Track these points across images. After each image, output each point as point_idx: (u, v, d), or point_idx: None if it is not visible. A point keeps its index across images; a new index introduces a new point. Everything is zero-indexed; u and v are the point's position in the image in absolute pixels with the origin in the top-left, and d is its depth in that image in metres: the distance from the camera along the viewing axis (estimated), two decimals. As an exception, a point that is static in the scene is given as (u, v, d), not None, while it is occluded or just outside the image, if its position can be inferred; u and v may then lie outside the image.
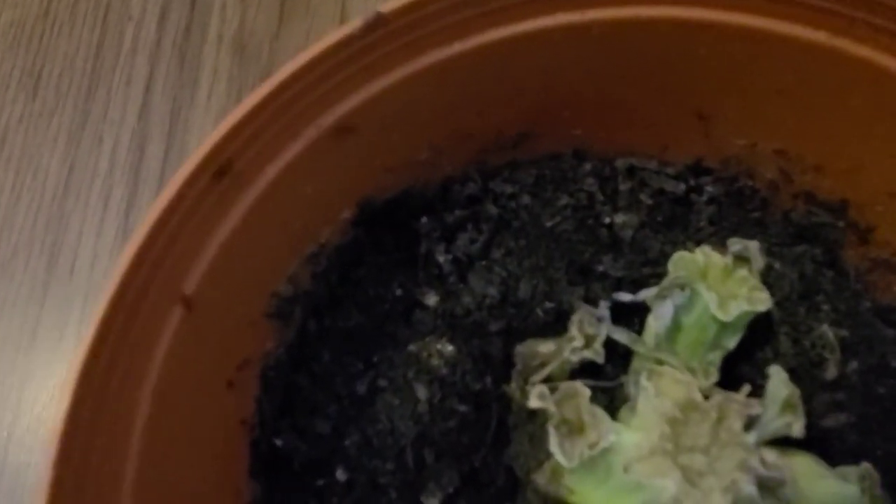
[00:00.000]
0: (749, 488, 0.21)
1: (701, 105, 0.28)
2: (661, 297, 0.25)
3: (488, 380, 0.30)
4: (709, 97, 0.28)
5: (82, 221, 0.46)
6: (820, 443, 0.28)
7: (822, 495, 0.24)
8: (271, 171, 0.22)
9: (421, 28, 0.23)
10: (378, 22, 0.21)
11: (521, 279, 0.31)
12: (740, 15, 0.25)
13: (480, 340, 0.30)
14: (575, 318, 0.25)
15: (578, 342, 0.24)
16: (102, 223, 0.46)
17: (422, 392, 0.29)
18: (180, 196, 0.20)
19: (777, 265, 0.30)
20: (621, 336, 0.25)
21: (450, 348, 0.30)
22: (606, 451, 0.22)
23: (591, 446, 0.22)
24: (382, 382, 0.29)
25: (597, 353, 0.24)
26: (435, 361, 0.30)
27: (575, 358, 0.24)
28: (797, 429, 0.22)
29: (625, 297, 0.27)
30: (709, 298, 0.25)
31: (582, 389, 0.23)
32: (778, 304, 0.30)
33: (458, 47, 0.24)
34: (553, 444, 0.22)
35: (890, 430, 0.29)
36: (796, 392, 0.23)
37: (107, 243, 0.46)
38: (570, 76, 0.27)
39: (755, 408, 0.22)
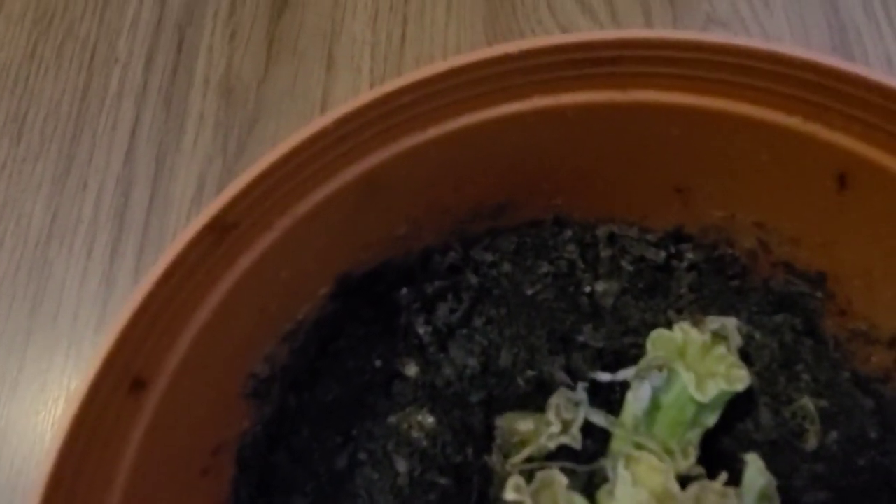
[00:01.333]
0: (724, 586, 0.21)
1: (678, 180, 0.28)
2: (640, 377, 0.25)
3: (469, 451, 0.30)
4: (685, 173, 0.28)
5: (66, 268, 0.46)
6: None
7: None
8: (245, 261, 0.22)
9: (395, 117, 0.23)
10: (348, 118, 0.21)
11: (501, 348, 0.31)
12: (714, 100, 0.25)
13: (461, 411, 0.30)
14: (552, 401, 0.25)
15: (555, 428, 0.24)
16: (86, 270, 0.46)
17: (402, 465, 0.29)
18: (153, 293, 0.20)
19: (757, 334, 0.30)
20: (599, 419, 0.25)
21: (430, 419, 0.30)
22: (582, 543, 0.22)
23: (567, 538, 0.22)
24: (362, 456, 0.29)
25: (574, 439, 0.24)
26: (415, 433, 0.30)
27: (552, 444, 0.24)
28: (774, 520, 0.22)
29: (604, 377, 0.27)
30: (687, 379, 0.25)
31: (558, 478, 0.23)
32: (758, 373, 0.30)
33: (432, 132, 0.24)
34: (527, 536, 0.22)
35: (859, 486, 0.29)
36: (772, 482, 0.23)
37: (90, 290, 0.45)
38: (545, 153, 0.27)
39: (731, 499, 0.22)
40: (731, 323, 0.26)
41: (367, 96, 0.21)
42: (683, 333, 0.26)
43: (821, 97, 0.23)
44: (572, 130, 0.25)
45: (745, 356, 0.30)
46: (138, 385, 0.20)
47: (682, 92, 0.25)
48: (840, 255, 0.28)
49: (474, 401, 0.29)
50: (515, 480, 0.22)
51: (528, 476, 0.25)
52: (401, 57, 0.52)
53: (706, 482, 0.23)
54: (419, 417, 0.29)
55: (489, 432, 0.29)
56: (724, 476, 0.23)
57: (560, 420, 0.24)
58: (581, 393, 0.26)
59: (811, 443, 0.29)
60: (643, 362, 0.25)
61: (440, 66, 0.22)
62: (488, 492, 0.29)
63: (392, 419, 0.29)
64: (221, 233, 0.21)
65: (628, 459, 0.23)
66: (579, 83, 0.24)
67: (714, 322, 0.26)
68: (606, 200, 0.31)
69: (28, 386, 0.43)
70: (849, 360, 0.30)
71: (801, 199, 0.27)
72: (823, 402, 0.29)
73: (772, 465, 0.29)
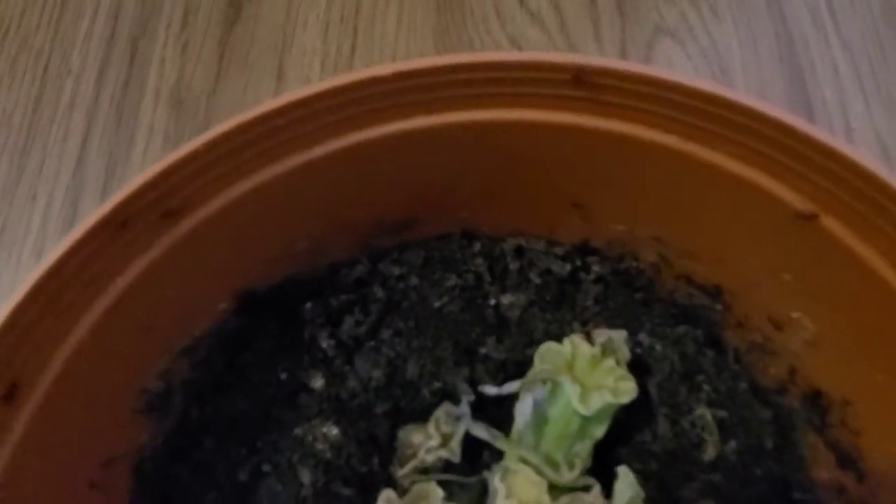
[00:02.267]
0: None
1: (574, 196, 0.29)
2: (526, 390, 0.26)
3: (375, 462, 0.30)
4: (579, 190, 0.28)
5: (14, 279, 0.46)
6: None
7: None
8: (122, 281, 0.22)
9: (277, 136, 0.23)
10: (227, 136, 0.22)
11: (408, 360, 0.31)
12: (600, 120, 0.25)
13: (367, 423, 0.30)
14: (433, 416, 0.26)
15: (434, 441, 0.25)
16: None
17: (306, 476, 0.29)
18: (30, 299, 0.21)
19: (658, 346, 0.31)
20: (481, 433, 0.25)
21: (335, 431, 0.30)
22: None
23: (437, 550, 0.22)
24: (266, 468, 0.29)
25: (452, 453, 0.25)
26: (320, 445, 0.30)
27: (430, 458, 0.25)
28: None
29: (490, 390, 0.27)
30: (571, 392, 0.26)
31: (434, 491, 0.23)
32: (658, 385, 0.30)
33: (318, 151, 0.24)
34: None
35: (756, 496, 0.29)
36: (640, 494, 0.23)
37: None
38: (440, 171, 0.27)
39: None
40: (618, 336, 0.27)
41: (244, 116, 0.22)
42: (573, 346, 0.27)
43: (689, 117, 0.24)
44: (461, 149, 0.26)
45: (646, 368, 0.31)
46: (11, 393, 0.21)
47: (567, 112, 0.25)
48: (730, 270, 0.28)
49: (380, 412, 0.30)
50: (386, 494, 0.23)
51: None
52: (350, 68, 0.53)
53: (579, 494, 0.23)
54: (324, 429, 0.30)
55: (394, 443, 0.30)
56: (597, 488, 0.24)
57: (440, 433, 0.25)
58: (464, 407, 0.26)
59: (709, 453, 0.30)
60: (529, 375, 0.26)
61: (313, 88, 0.22)
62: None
63: (298, 431, 0.30)
64: (106, 241, 0.22)
65: (505, 472, 0.24)
66: (464, 103, 0.25)
67: (601, 335, 0.27)
68: (513, 215, 0.31)
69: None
70: (748, 371, 0.30)
71: (690, 215, 0.27)
72: (723, 413, 0.30)
73: (669, 475, 0.29)
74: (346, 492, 0.29)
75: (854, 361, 0.25)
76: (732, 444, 0.30)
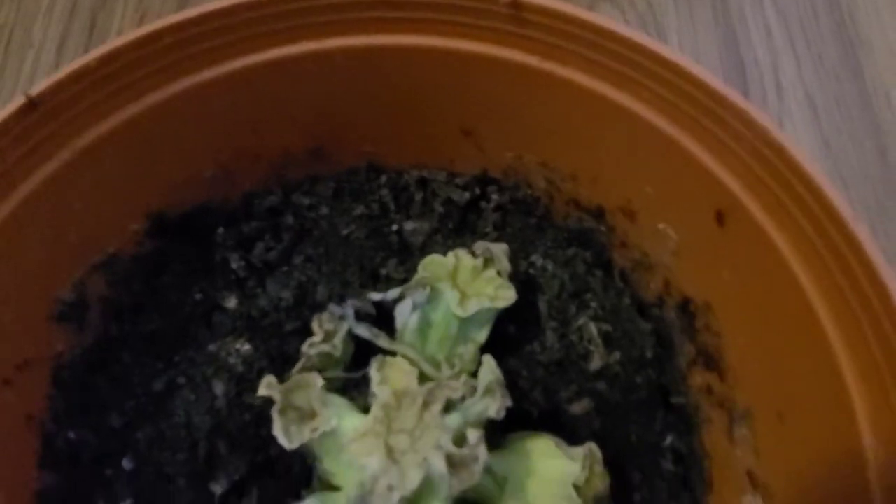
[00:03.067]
0: (439, 464, 0.23)
1: (462, 123, 0.31)
2: (408, 295, 0.28)
3: (285, 376, 0.32)
4: (467, 116, 0.30)
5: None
6: (569, 427, 0.30)
7: (548, 470, 0.27)
8: (25, 187, 0.24)
9: (163, 58, 0.25)
10: (113, 55, 0.24)
11: (319, 283, 0.33)
12: (479, 44, 0.28)
13: (278, 340, 0.33)
14: (317, 316, 0.28)
15: (318, 337, 0.27)
16: None
17: (219, 388, 0.32)
18: None
19: (550, 266, 0.33)
20: (363, 331, 0.28)
21: (247, 347, 0.32)
22: (332, 434, 0.25)
23: (313, 430, 0.24)
24: (181, 380, 0.32)
25: (334, 348, 0.27)
26: (233, 360, 0.32)
27: (313, 352, 0.27)
28: (494, 410, 0.25)
29: (376, 296, 0.29)
30: (450, 297, 0.28)
31: (314, 380, 0.25)
32: (548, 302, 0.33)
33: (207, 74, 0.26)
34: (276, 429, 0.24)
35: (636, 400, 0.31)
36: (500, 378, 0.25)
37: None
38: (335, 100, 0.29)
39: (455, 392, 0.24)
40: (497, 248, 0.29)
41: (130, 35, 0.24)
42: (456, 259, 0.29)
43: (548, 36, 0.26)
44: (347, 76, 0.28)
45: (538, 286, 0.33)
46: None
47: (438, 36, 0.27)
48: (606, 190, 0.30)
49: (289, 329, 0.32)
50: (268, 379, 0.25)
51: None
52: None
53: (444, 381, 0.25)
54: (237, 345, 0.32)
55: (303, 359, 0.32)
56: (464, 377, 0.26)
57: (323, 330, 0.27)
58: (347, 309, 0.28)
59: (595, 363, 0.32)
60: (412, 282, 0.28)
61: (194, 11, 0.24)
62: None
63: (212, 347, 0.32)
64: (5, 146, 0.24)
65: (381, 364, 0.26)
66: (344, 27, 0.27)
67: (480, 247, 0.29)
68: (414, 148, 0.33)
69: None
70: (631, 288, 0.32)
71: (565, 137, 0.29)
72: (608, 327, 0.32)
73: (555, 382, 0.31)
74: (258, 402, 0.31)
75: (709, 265, 0.27)
76: (616, 355, 0.32)
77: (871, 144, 0.48)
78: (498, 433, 0.28)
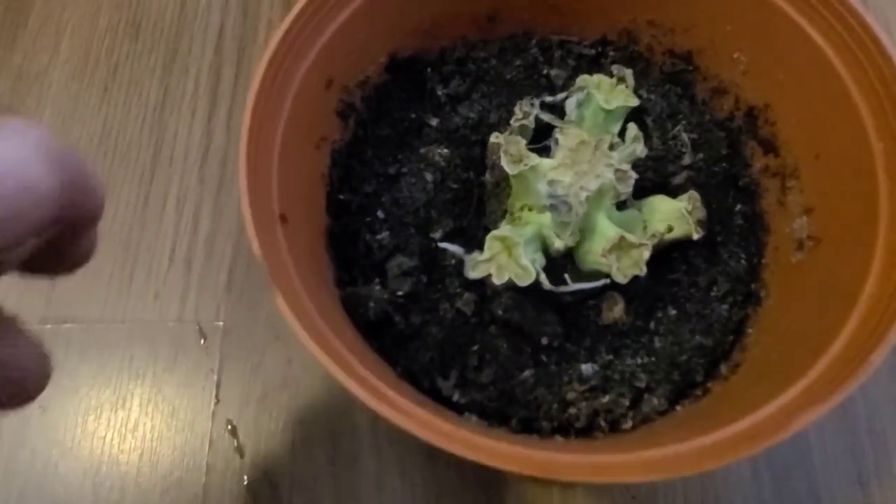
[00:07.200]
0: (609, 175, 0.38)
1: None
2: (570, 96, 0.43)
3: (471, 173, 0.47)
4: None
5: (177, 125, 0.63)
6: (673, 192, 0.45)
7: (666, 205, 0.41)
8: (319, 42, 0.39)
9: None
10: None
11: (490, 111, 0.48)
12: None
13: (466, 148, 0.47)
14: (519, 103, 0.43)
15: (519, 115, 0.42)
16: (191, 127, 0.63)
17: (429, 176, 0.46)
18: (269, 64, 0.38)
19: (652, 97, 0.48)
20: (546, 117, 0.42)
21: (445, 151, 0.47)
22: (535, 168, 0.39)
23: (525, 164, 0.39)
24: (404, 170, 0.46)
25: (530, 122, 0.41)
26: (437, 158, 0.47)
27: (516, 124, 0.41)
28: (640, 149, 0.39)
29: (548, 98, 0.44)
30: (599, 97, 0.42)
31: (521, 139, 0.40)
32: (653, 120, 0.47)
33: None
34: (504, 163, 0.39)
35: (715, 183, 0.46)
36: (640, 134, 0.40)
37: (195, 140, 0.63)
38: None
39: (616, 138, 0.39)
40: (628, 72, 0.44)
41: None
42: (599, 78, 0.43)
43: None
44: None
45: (646, 110, 0.47)
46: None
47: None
48: (697, 35, 0.45)
49: (473, 140, 0.47)
50: (495, 135, 0.39)
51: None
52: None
53: (604, 135, 0.40)
54: (439, 150, 0.47)
55: (484, 162, 0.47)
56: (608, 137, 0.40)
57: (522, 112, 0.42)
58: (535, 102, 0.43)
59: (686, 159, 0.46)
60: (573, 89, 0.43)
61: None
62: (483, 197, 0.46)
63: (422, 150, 0.46)
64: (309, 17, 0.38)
65: (562, 130, 0.40)
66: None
67: (616, 69, 0.43)
68: (558, 17, 0.48)
69: (154, 204, 0.60)
70: (710, 109, 0.47)
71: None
72: (694, 135, 0.47)
73: (662, 167, 0.46)
74: (455, 186, 0.46)
75: (768, 73, 0.42)
76: (700, 154, 0.46)
77: None
78: (631, 198, 0.42)
